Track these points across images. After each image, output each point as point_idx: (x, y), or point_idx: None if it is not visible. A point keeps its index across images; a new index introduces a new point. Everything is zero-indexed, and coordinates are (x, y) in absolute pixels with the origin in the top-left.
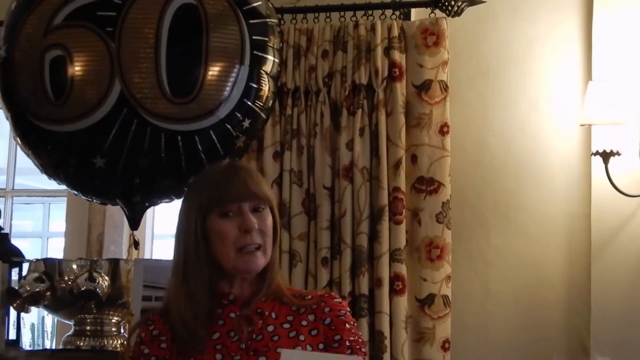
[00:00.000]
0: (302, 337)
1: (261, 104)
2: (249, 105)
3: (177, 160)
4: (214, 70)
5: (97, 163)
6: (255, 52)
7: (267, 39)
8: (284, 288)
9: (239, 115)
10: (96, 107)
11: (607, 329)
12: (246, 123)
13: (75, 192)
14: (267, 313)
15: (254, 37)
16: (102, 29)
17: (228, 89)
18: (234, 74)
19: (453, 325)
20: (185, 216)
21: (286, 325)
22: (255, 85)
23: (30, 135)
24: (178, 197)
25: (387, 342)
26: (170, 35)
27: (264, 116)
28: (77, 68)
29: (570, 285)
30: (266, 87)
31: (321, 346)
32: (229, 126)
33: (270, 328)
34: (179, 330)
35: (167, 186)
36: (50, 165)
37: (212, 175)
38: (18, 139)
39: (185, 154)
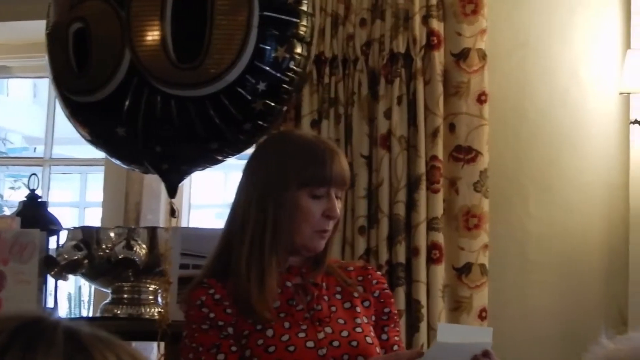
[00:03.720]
0: (358, 309)
1: (279, 67)
2: (262, 68)
3: (192, 126)
4: (218, 34)
5: (119, 132)
6: (266, 13)
7: None
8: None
9: (251, 78)
10: (110, 77)
11: None
12: (262, 86)
13: (118, 162)
14: (319, 283)
15: None
16: None
17: (234, 52)
18: (239, 37)
19: (490, 295)
20: (272, 185)
21: (338, 296)
22: (268, 48)
23: (68, 108)
24: (211, 165)
25: (424, 310)
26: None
27: (284, 78)
28: (93, 39)
29: (609, 255)
30: (284, 49)
31: (373, 318)
32: (241, 90)
33: (325, 298)
34: (246, 296)
35: (190, 154)
36: (88, 135)
37: (304, 149)
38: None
39: (199, 120)
